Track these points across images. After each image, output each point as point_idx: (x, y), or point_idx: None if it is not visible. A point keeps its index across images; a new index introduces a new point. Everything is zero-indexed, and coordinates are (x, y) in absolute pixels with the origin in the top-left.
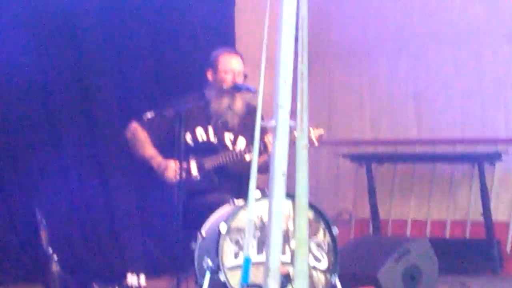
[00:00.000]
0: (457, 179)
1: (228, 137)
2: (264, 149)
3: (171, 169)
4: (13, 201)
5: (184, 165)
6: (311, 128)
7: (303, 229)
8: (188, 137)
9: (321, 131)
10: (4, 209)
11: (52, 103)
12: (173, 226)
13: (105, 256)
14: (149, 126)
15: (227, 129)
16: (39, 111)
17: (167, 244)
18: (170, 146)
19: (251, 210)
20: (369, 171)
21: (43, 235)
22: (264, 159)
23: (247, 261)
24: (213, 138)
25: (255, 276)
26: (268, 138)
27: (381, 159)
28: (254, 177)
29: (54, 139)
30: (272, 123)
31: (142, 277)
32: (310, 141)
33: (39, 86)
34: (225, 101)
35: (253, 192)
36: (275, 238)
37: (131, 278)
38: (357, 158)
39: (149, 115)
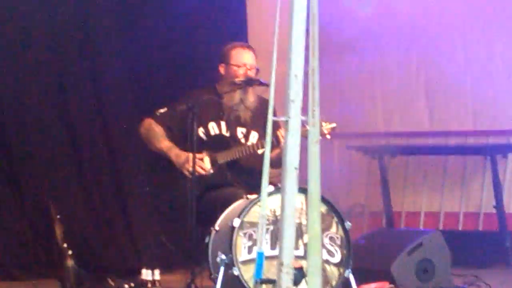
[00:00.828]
0: (470, 171)
1: (240, 131)
2: (276, 143)
3: (190, 160)
4: (28, 196)
5: (198, 159)
6: (323, 122)
7: (316, 223)
8: (201, 131)
9: (333, 124)
10: (19, 204)
11: (67, 100)
12: (187, 220)
13: (120, 251)
14: (163, 121)
15: (240, 123)
16: (54, 108)
17: (181, 239)
18: (183, 140)
19: (264, 205)
20: (381, 163)
21: (58, 229)
22: (276, 153)
23: (261, 255)
24: (225, 132)
25: (269, 270)
26: (281, 132)
27: (393, 151)
28: (267, 171)
29: (69, 135)
30: (284, 118)
31: (157, 272)
32: (322, 134)
33: (55, 84)
34: (237, 95)
35: (266, 186)
36: (288, 233)
37: (146, 273)
38: (369, 151)
39: (162, 110)
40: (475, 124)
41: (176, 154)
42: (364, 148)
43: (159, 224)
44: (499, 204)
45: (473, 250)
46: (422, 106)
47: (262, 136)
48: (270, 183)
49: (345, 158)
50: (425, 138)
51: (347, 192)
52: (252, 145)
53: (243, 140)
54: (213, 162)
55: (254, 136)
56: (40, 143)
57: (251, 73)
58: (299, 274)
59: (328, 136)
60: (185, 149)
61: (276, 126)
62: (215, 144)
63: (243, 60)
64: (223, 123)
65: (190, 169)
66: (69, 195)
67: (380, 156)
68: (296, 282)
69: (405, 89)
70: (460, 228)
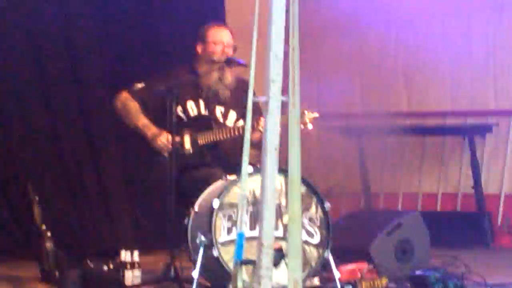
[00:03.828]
0: (448, 151)
1: (219, 110)
2: (252, 129)
3: (165, 138)
4: (6, 178)
5: (177, 139)
6: (305, 111)
7: (296, 204)
8: (180, 110)
9: (315, 114)
10: None
11: (44, 75)
12: (166, 201)
13: (98, 233)
14: (139, 96)
15: (219, 101)
16: (31, 83)
17: (160, 220)
18: (161, 119)
19: (244, 185)
20: (360, 144)
21: (36, 211)
22: (257, 136)
23: (241, 236)
24: (204, 111)
25: (248, 251)
26: (260, 121)
27: (372, 132)
28: (247, 152)
29: (48, 116)
30: (264, 98)
31: (136, 253)
32: (304, 123)
33: (32, 56)
34: (215, 74)
35: (246, 166)
36: (268, 213)
37: (125, 255)
38: (348, 132)
39: (139, 85)
40: (453, 104)
41: (153, 133)
42: (342, 129)
43: (138, 205)
44: (477, 185)
45: (451, 231)
46: (401, 86)
47: (240, 116)
48: (249, 164)
49: (324, 139)
50: (404, 118)
51: (326, 173)
52: (234, 128)
53: (221, 120)
54: (193, 143)
55: (232, 116)
56: (18, 124)
57: (229, 51)
58: (279, 255)
59: (310, 126)
60: (163, 127)
61: (256, 113)
62: (194, 124)
63: (220, 37)
64: (201, 101)
65: (164, 148)
66: (47, 176)
67: (359, 137)
68: (276, 263)
69: (383, 70)
70: (438, 209)
